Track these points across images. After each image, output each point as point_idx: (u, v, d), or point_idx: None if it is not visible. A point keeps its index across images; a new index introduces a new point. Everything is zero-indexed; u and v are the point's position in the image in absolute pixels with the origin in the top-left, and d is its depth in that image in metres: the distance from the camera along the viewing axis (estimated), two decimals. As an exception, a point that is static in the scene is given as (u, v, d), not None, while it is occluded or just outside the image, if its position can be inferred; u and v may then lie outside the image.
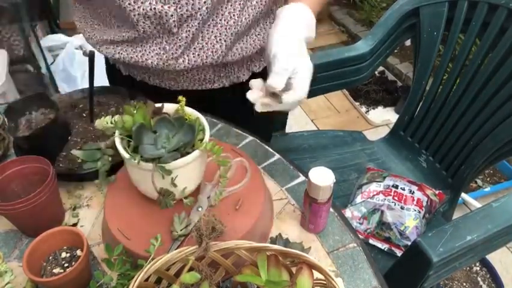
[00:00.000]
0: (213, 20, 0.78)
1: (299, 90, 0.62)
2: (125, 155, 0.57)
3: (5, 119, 0.79)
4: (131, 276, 0.55)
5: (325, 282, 0.51)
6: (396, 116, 1.39)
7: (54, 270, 0.58)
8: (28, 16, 1.79)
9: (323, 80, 1.21)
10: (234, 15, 0.78)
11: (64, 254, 0.60)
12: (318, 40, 2.96)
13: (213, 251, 0.51)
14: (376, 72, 2.51)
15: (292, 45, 0.64)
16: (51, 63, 2.05)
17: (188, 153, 0.58)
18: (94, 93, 0.82)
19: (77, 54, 2.04)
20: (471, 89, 1.06)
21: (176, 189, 0.60)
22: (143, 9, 0.73)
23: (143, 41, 0.80)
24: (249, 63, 0.90)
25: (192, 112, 0.64)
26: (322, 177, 0.63)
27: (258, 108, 0.63)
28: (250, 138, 0.86)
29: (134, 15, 0.74)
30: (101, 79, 1.04)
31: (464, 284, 1.50)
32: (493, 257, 1.52)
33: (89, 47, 2.18)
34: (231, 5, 0.78)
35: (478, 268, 1.55)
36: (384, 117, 2.28)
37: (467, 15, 1.05)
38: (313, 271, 0.50)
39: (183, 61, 0.80)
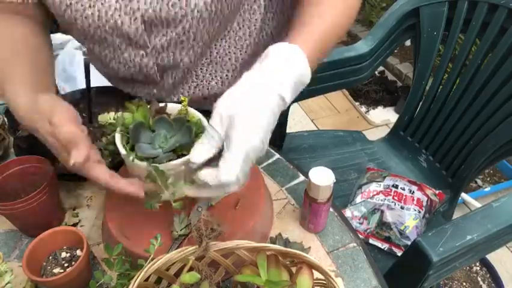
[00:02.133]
0: (205, 60, 0.75)
1: (223, 171, 0.47)
2: (122, 151, 0.57)
3: (5, 119, 0.79)
4: (131, 276, 0.55)
5: (325, 282, 0.51)
6: (396, 116, 1.39)
7: (54, 270, 0.58)
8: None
9: (323, 80, 1.21)
10: (229, 52, 0.74)
11: (63, 254, 0.60)
12: (318, 40, 2.96)
13: (212, 251, 0.51)
14: (376, 72, 2.51)
15: (247, 100, 0.49)
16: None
17: (184, 155, 0.58)
18: (93, 94, 0.82)
19: (77, 54, 2.04)
20: (471, 88, 1.06)
21: (167, 191, 0.59)
22: (123, 59, 0.70)
23: (133, 80, 0.76)
24: None
25: (194, 113, 0.63)
26: (322, 177, 0.63)
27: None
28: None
29: (114, 64, 0.71)
30: (102, 79, 1.04)
31: (464, 283, 1.50)
32: (493, 257, 1.52)
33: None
34: (225, 42, 0.73)
35: (478, 268, 1.55)
36: (384, 117, 2.28)
37: (467, 15, 1.05)
38: (313, 271, 0.50)
39: (178, 97, 0.78)
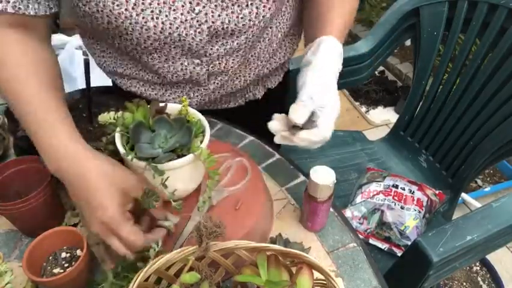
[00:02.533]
0: (245, 67, 0.78)
1: (323, 129, 0.56)
2: (121, 151, 0.57)
3: (5, 119, 0.79)
4: (130, 278, 0.55)
5: (325, 282, 0.51)
6: (396, 116, 1.39)
7: (54, 270, 0.58)
8: (28, 16, 1.78)
9: (323, 80, 1.21)
10: (263, 59, 0.78)
11: (63, 254, 0.60)
12: (318, 40, 2.96)
13: (212, 251, 0.51)
14: (376, 72, 2.51)
15: (324, 78, 0.59)
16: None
17: (184, 155, 0.58)
18: (92, 94, 0.81)
19: (77, 54, 2.04)
20: (471, 88, 1.06)
21: (166, 190, 0.60)
22: (173, 68, 0.70)
23: (166, 85, 0.76)
24: (264, 80, 0.88)
25: (194, 113, 0.64)
26: (323, 176, 0.63)
27: (277, 140, 0.58)
28: (250, 138, 0.86)
29: (162, 72, 0.71)
30: (102, 79, 1.04)
31: (464, 283, 1.50)
32: (493, 257, 1.52)
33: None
34: (260, 49, 0.76)
35: (478, 268, 1.54)
36: (384, 117, 2.28)
37: (467, 15, 1.05)
38: (313, 271, 0.50)
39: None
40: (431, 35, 1.11)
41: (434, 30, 1.11)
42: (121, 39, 0.66)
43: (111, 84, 0.91)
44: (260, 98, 0.90)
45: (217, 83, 0.76)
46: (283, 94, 0.96)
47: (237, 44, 0.69)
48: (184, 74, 0.72)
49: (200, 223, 0.50)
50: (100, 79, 0.94)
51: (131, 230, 0.51)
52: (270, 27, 0.75)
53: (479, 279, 1.51)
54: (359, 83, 1.26)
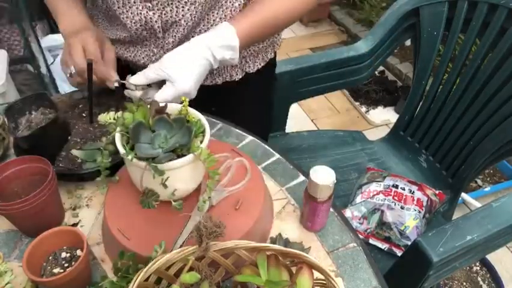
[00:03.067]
0: (203, 25, 0.81)
1: (156, 96, 0.69)
2: (121, 150, 0.57)
3: (5, 119, 0.79)
4: (130, 278, 0.55)
5: (325, 282, 0.51)
6: (396, 116, 1.39)
7: (54, 270, 0.58)
8: (28, 16, 1.79)
9: (323, 80, 1.21)
10: (224, 20, 0.80)
11: (63, 254, 0.60)
12: (318, 40, 2.96)
13: (212, 251, 0.51)
14: (376, 72, 2.51)
15: (183, 55, 0.70)
16: (51, 63, 2.04)
17: (184, 155, 0.58)
18: (93, 95, 0.82)
19: (77, 54, 2.04)
20: (471, 88, 1.06)
21: (166, 190, 0.60)
22: (131, 13, 0.78)
23: (134, 42, 0.84)
24: (243, 63, 0.90)
25: (194, 113, 0.64)
26: (323, 176, 0.63)
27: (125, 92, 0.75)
28: (250, 138, 0.86)
29: (123, 18, 0.79)
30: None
31: (464, 283, 1.50)
32: (493, 257, 1.52)
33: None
34: (222, 11, 0.80)
35: (478, 268, 1.54)
36: (384, 117, 2.28)
37: (467, 15, 1.05)
38: (313, 271, 0.50)
39: None
40: (431, 35, 1.11)
41: (434, 30, 1.11)
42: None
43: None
44: (237, 80, 0.91)
45: (175, 36, 0.81)
46: (262, 84, 0.97)
47: None
48: (140, 20, 0.78)
49: (200, 223, 0.50)
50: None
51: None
52: None
53: (479, 279, 1.51)
54: (359, 83, 1.26)
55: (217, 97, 0.92)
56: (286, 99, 1.25)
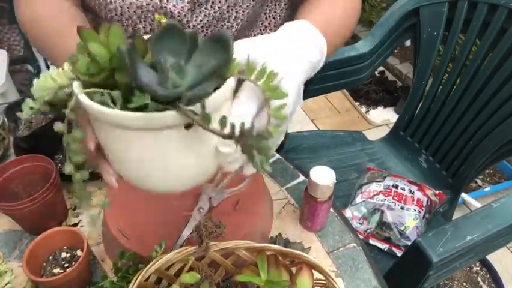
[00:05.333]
0: None
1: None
2: (114, 112, 0.31)
3: (5, 119, 0.79)
4: (130, 279, 0.55)
5: (325, 282, 0.51)
6: (396, 116, 1.38)
7: (54, 270, 0.58)
8: (28, 16, 1.78)
9: (323, 80, 1.21)
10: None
11: (63, 254, 0.60)
12: (318, 40, 2.96)
13: (212, 251, 0.51)
14: (376, 72, 2.51)
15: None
16: (52, 63, 2.05)
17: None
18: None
19: (77, 54, 2.04)
20: (471, 89, 1.06)
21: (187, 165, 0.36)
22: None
23: None
24: None
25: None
26: (323, 176, 0.63)
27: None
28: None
29: None
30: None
31: (464, 284, 1.50)
32: (493, 257, 1.52)
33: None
34: (253, 33, 0.75)
35: (478, 268, 1.54)
36: (384, 117, 2.28)
37: (467, 15, 1.05)
38: (313, 271, 0.50)
39: None
40: (431, 35, 1.11)
41: (434, 30, 1.11)
42: (106, 10, 0.66)
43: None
44: None
45: None
46: None
47: (219, 13, 0.68)
48: None
49: (200, 223, 0.50)
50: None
51: None
52: (263, 13, 0.74)
53: (479, 279, 1.51)
54: (359, 83, 1.26)
55: None
56: (286, 99, 1.25)
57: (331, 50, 0.57)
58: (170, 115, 0.31)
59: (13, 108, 0.75)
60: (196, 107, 0.31)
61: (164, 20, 0.41)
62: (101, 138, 0.37)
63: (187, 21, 0.67)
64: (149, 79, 0.31)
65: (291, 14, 0.76)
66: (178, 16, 0.66)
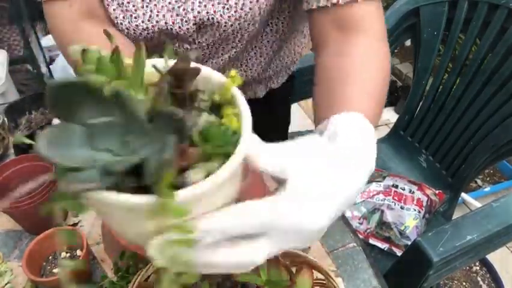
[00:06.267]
0: (238, 60, 0.77)
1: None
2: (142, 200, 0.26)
3: (5, 119, 0.79)
4: (130, 279, 0.55)
5: (325, 282, 0.51)
6: (396, 116, 1.38)
7: (54, 270, 0.58)
8: (28, 16, 1.79)
9: (323, 80, 1.21)
10: (255, 53, 0.77)
11: (63, 254, 0.60)
12: (318, 40, 2.96)
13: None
14: (376, 72, 2.51)
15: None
16: (51, 63, 2.05)
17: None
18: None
19: (77, 54, 2.04)
20: (471, 88, 1.06)
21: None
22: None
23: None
24: (267, 80, 0.88)
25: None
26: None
27: None
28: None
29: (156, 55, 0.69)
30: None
31: (464, 283, 1.50)
32: (493, 257, 1.52)
33: (89, 47, 2.17)
34: (256, 44, 0.75)
35: (478, 268, 1.54)
36: (384, 117, 2.28)
37: (467, 15, 1.05)
38: (314, 271, 0.50)
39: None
40: (431, 35, 1.11)
41: (434, 30, 1.11)
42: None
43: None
44: (262, 97, 0.89)
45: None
46: (286, 95, 0.95)
47: (225, 35, 0.68)
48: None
49: None
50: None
51: None
52: (267, 26, 0.74)
53: (479, 279, 1.51)
54: (359, 83, 1.26)
55: None
56: (286, 99, 1.25)
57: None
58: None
59: (13, 108, 0.75)
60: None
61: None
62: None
63: (193, 39, 0.68)
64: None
65: (294, 17, 0.75)
66: (184, 35, 0.66)
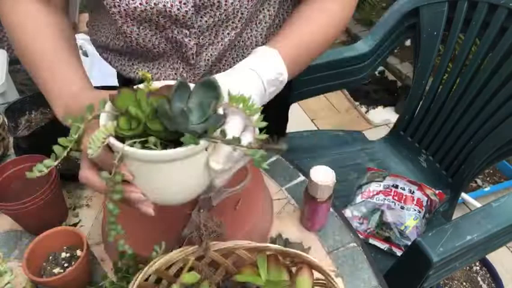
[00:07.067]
0: (237, 42, 0.76)
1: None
2: (158, 152, 0.42)
3: (5, 119, 0.79)
4: (130, 278, 0.55)
5: (325, 282, 0.51)
6: (396, 116, 1.39)
7: (54, 270, 0.58)
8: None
9: (323, 80, 1.21)
10: (251, 36, 0.76)
11: (63, 254, 0.60)
12: (318, 40, 2.96)
13: (212, 250, 0.51)
14: (376, 72, 2.51)
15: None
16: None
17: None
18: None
19: (77, 54, 2.04)
20: (471, 88, 1.06)
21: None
22: (164, 35, 0.69)
23: (159, 60, 0.75)
24: None
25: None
26: (323, 176, 0.63)
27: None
28: (250, 138, 0.86)
29: (155, 39, 0.69)
30: (102, 79, 1.04)
31: (464, 283, 1.50)
32: (493, 257, 1.52)
33: (88, 47, 2.17)
34: (254, 26, 0.75)
35: (478, 267, 1.54)
36: (384, 117, 2.28)
37: (467, 15, 1.05)
38: (314, 271, 0.50)
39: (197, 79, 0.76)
40: (431, 35, 1.11)
41: (434, 30, 1.11)
42: (110, 12, 0.66)
43: (111, 84, 0.91)
44: None
45: (207, 60, 0.74)
46: (287, 91, 0.95)
47: (225, 15, 0.68)
48: (174, 42, 0.71)
49: (200, 223, 0.50)
50: (100, 79, 0.94)
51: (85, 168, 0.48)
52: (264, 8, 0.74)
53: (479, 279, 1.51)
54: (359, 83, 1.26)
55: None
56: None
57: (298, 69, 0.65)
58: (203, 144, 0.42)
59: (13, 108, 0.75)
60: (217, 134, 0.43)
61: (149, 75, 0.48)
62: (137, 175, 0.45)
63: (191, 22, 0.67)
64: (183, 122, 0.42)
65: (284, 4, 0.77)
66: (183, 18, 0.66)
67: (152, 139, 0.43)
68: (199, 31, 0.69)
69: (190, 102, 0.45)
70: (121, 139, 0.43)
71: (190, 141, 0.41)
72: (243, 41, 0.76)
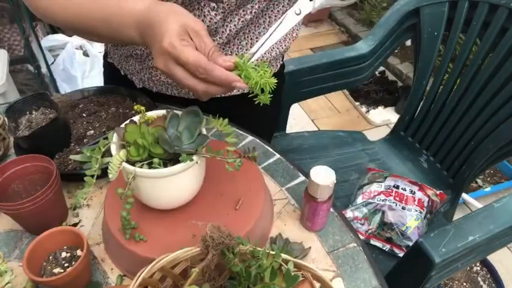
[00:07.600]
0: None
1: None
2: (164, 170, 0.55)
3: (5, 119, 0.79)
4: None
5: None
6: (397, 116, 1.38)
7: (54, 270, 0.58)
8: (28, 16, 1.79)
9: (324, 80, 1.21)
10: (265, 14, 0.78)
11: (63, 254, 0.60)
12: (318, 40, 2.96)
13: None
14: (376, 72, 2.51)
15: None
16: (51, 63, 2.05)
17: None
18: (92, 95, 0.81)
19: (77, 54, 2.04)
20: (472, 89, 1.06)
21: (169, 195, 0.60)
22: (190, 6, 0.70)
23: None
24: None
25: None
26: (323, 176, 0.63)
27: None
28: (250, 138, 0.86)
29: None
30: (101, 79, 1.03)
31: (465, 284, 1.50)
32: (494, 257, 1.52)
33: (88, 47, 2.17)
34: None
35: (479, 268, 1.54)
36: (384, 117, 2.28)
37: (467, 15, 1.05)
38: (314, 281, 0.50)
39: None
40: (432, 35, 1.11)
41: (434, 30, 1.11)
42: None
43: (110, 84, 0.91)
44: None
45: (223, 39, 0.76)
46: (277, 89, 0.96)
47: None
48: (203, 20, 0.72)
49: (206, 233, 0.49)
50: (99, 79, 0.94)
51: (190, 52, 0.51)
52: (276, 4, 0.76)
53: (479, 279, 1.51)
54: (360, 83, 1.26)
55: (228, 106, 0.87)
56: (287, 99, 1.25)
57: None
58: (195, 159, 0.55)
59: (13, 108, 0.75)
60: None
61: (142, 108, 0.57)
62: (141, 191, 0.59)
63: (216, 30, 0.71)
64: (178, 144, 0.55)
65: None
66: (209, 25, 0.70)
67: (156, 160, 0.55)
68: (228, 4, 0.70)
69: (180, 127, 0.57)
70: (131, 162, 0.55)
71: (187, 159, 0.54)
72: (259, 17, 0.77)
